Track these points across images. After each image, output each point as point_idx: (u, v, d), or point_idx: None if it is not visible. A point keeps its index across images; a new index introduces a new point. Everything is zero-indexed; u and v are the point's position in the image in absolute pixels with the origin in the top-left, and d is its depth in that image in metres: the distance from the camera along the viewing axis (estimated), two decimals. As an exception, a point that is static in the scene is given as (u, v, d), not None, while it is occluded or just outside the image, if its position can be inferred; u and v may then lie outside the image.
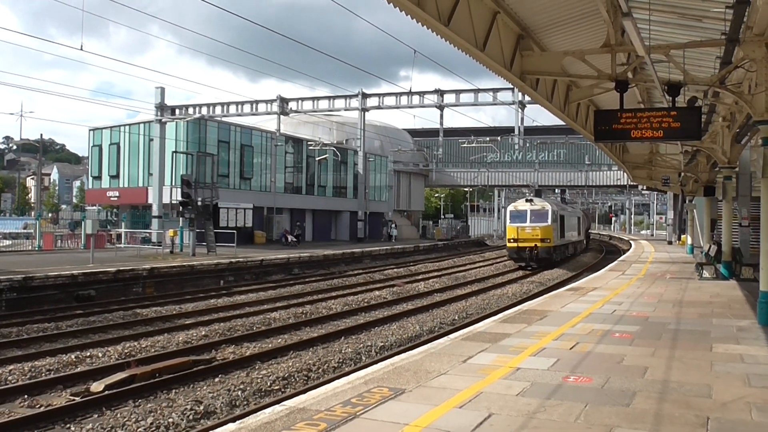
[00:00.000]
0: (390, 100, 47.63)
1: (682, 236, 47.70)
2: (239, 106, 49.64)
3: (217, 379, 11.45)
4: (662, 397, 7.02)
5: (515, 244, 35.40)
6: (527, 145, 62.74)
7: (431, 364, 8.52)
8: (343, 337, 15.25)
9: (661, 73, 13.62)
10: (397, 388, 7.27)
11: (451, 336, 10.86)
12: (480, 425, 6.00)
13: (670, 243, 51.91)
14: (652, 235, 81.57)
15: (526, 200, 36.90)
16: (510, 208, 37.70)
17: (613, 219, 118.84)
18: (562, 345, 9.89)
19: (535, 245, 34.66)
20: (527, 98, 40.46)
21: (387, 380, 7.63)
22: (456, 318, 18.12)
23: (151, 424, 9.07)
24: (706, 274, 22.02)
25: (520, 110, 44.28)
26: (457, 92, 45.92)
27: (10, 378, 11.41)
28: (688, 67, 13.54)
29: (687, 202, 40.32)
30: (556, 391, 7.19)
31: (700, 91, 15.60)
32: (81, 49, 23.02)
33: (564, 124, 21.92)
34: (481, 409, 6.49)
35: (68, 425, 9.13)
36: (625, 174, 49.86)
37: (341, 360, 13.00)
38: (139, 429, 8.89)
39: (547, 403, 6.74)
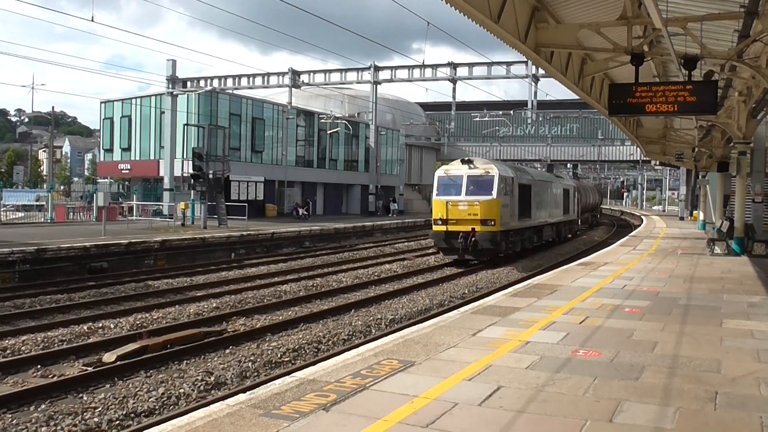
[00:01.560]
0: (402, 73, 47.32)
1: (694, 212, 47.41)
2: (251, 79, 49.50)
3: (227, 351, 11.54)
4: (671, 371, 7.00)
5: (443, 228, 23.76)
6: (540, 119, 62.28)
7: (441, 337, 8.54)
8: (353, 310, 15.31)
9: (677, 46, 13.43)
10: (406, 360, 7.30)
11: (461, 309, 10.87)
12: (489, 398, 6.02)
13: (681, 219, 51.61)
14: (664, 210, 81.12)
15: (463, 162, 24.69)
16: (438, 173, 25.14)
17: (625, 194, 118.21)
18: (572, 319, 9.88)
19: (473, 229, 23.13)
20: (541, 72, 40.16)
21: (397, 353, 7.65)
22: (466, 292, 18.13)
23: (163, 394, 9.16)
24: (717, 249, 21.91)
25: (533, 84, 43.89)
26: (470, 65, 45.52)
27: (23, 348, 11.54)
28: (705, 40, 13.33)
29: (700, 177, 39.96)
30: (565, 365, 7.19)
31: (717, 64, 15.39)
32: (92, 21, 22.98)
33: (577, 98, 21.69)
34: (490, 382, 6.50)
35: (81, 395, 9.23)
36: (638, 149, 49.46)
37: (351, 333, 13.06)
38: (151, 399, 8.98)
39: (556, 376, 6.74)
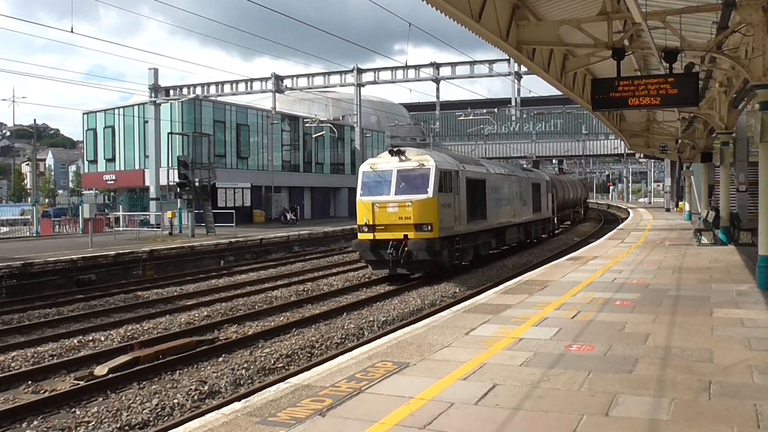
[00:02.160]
0: (386, 75, 47.32)
1: (680, 203, 47.74)
2: (234, 85, 49.34)
3: (220, 359, 11.49)
4: (664, 363, 7.04)
5: (369, 236, 19.57)
6: (524, 116, 62.54)
7: (434, 337, 8.54)
8: (345, 313, 15.29)
9: (657, 39, 13.51)
10: (401, 362, 7.29)
11: (453, 309, 10.88)
12: (485, 396, 6.02)
13: (668, 210, 51.94)
14: (650, 202, 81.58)
15: (392, 153, 20.34)
16: (363, 167, 20.93)
17: (611, 188, 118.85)
18: (564, 314, 9.91)
19: (405, 236, 18.97)
20: (523, 69, 40.26)
21: (391, 354, 7.65)
22: (457, 290, 18.15)
23: (156, 405, 9.11)
24: (704, 240, 22.05)
25: (516, 81, 44.02)
26: (453, 65, 45.56)
27: (13, 364, 11.43)
28: (685, 33, 13.42)
29: (684, 168, 40.22)
30: (559, 361, 7.21)
31: (697, 57, 15.49)
32: (71, 32, 22.80)
33: (561, 94, 21.83)
34: (485, 381, 6.51)
35: (73, 409, 9.16)
36: (622, 143, 49.76)
37: (344, 336, 13.04)
38: (145, 411, 8.92)
39: (550, 372, 6.76)
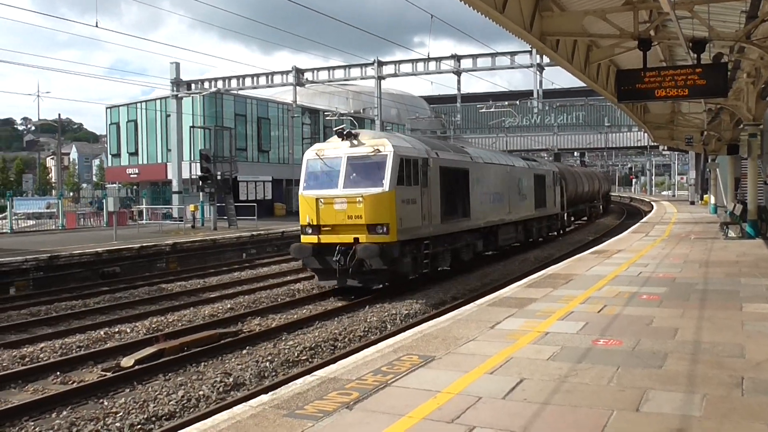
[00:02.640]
0: (406, 67, 47.14)
1: (705, 196, 47.18)
2: (255, 79, 49.45)
3: (244, 351, 11.54)
4: (694, 358, 6.94)
5: (313, 238, 16.20)
6: (546, 108, 62.08)
7: (459, 330, 8.50)
8: (367, 306, 15.27)
9: (684, 29, 13.33)
10: (426, 355, 7.27)
11: (478, 302, 10.83)
12: (512, 390, 5.98)
13: (692, 203, 51.38)
14: (674, 195, 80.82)
15: (342, 136, 16.52)
16: (308, 154, 17.16)
17: (634, 181, 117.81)
18: (590, 308, 9.82)
19: (355, 240, 15.64)
20: (546, 61, 40.01)
21: (416, 348, 7.62)
22: (479, 284, 18.07)
23: (182, 397, 9.16)
24: (731, 233, 21.78)
25: (538, 73, 43.69)
26: (474, 57, 45.29)
27: (42, 356, 11.57)
28: (713, 22, 13.24)
29: (709, 161, 39.72)
30: (586, 355, 7.14)
31: (725, 47, 15.27)
32: (96, 26, 23.02)
33: (583, 85, 21.61)
34: (512, 375, 6.46)
35: (101, 400, 9.25)
36: (645, 135, 49.27)
37: (367, 329, 13.03)
38: (171, 402, 8.98)
39: (578, 367, 6.69)
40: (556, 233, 32.05)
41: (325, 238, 16.02)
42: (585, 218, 43.17)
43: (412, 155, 16.66)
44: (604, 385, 6.06)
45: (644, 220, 34.69)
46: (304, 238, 16.36)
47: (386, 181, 15.57)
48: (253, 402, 5.94)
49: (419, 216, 16.64)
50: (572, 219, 39.26)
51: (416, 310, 14.78)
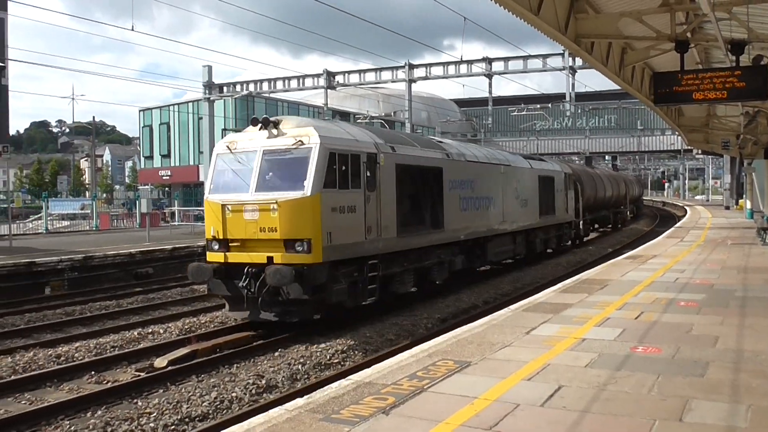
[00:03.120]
0: (437, 70, 46.98)
1: (740, 201, 46.34)
2: (286, 82, 49.67)
3: (276, 353, 11.54)
4: (737, 366, 6.79)
5: (219, 256, 12.71)
6: (578, 111, 61.49)
7: (494, 336, 8.41)
8: (397, 310, 15.19)
9: (723, 31, 13.09)
10: (462, 360, 7.19)
11: (512, 307, 10.72)
12: (551, 398, 5.88)
13: (727, 208, 50.50)
14: (708, 200, 79.51)
15: (258, 122, 13.12)
16: (218, 148, 13.75)
17: (666, 185, 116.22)
18: (627, 315, 9.66)
19: (269, 259, 12.03)
20: (578, 63, 39.61)
21: (451, 353, 7.55)
22: (511, 288, 17.92)
23: (215, 398, 9.18)
24: (769, 239, 21.33)
25: (570, 76, 43.29)
26: (506, 59, 44.99)
27: (77, 355, 11.71)
28: (753, 24, 12.96)
29: (745, 165, 38.97)
30: (625, 362, 7.01)
31: (765, 48, 14.95)
32: (132, 30, 23.32)
33: (616, 88, 21.36)
34: (550, 381, 6.36)
35: (135, 400, 9.32)
36: (679, 138, 48.53)
37: (398, 333, 12.97)
38: (204, 403, 9.01)
39: (617, 374, 6.57)
40: (569, 243, 28.36)
41: (234, 257, 12.45)
42: (610, 226, 39.63)
43: (350, 149, 12.92)
44: (645, 394, 5.94)
45: (678, 224, 34.16)
46: (209, 256, 12.86)
47: (308, 183, 11.85)
48: (288, 405, 5.92)
49: (361, 228, 12.95)
50: (595, 226, 36.50)
51: (448, 314, 14.60)
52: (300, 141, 12.29)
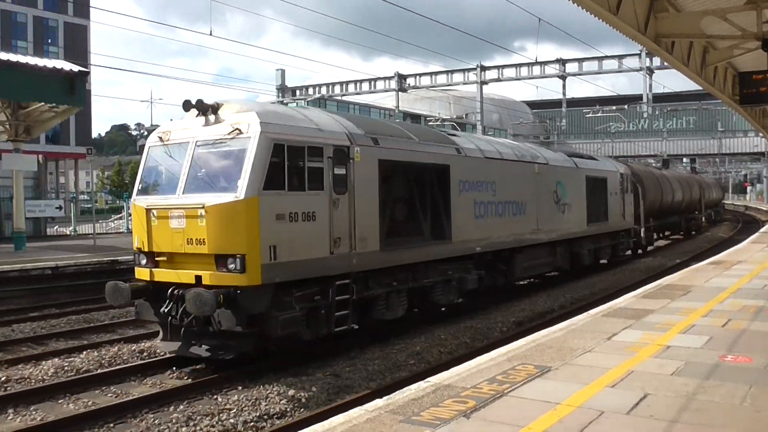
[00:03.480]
0: (510, 72, 46.72)
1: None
2: (357, 85, 50.20)
3: (352, 353, 11.61)
4: (836, 379, 6.47)
5: (146, 272, 10.39)
6: (656, 113, 59.84)
7: (574, 341, 8.26)
8: (471, 312, 15.09)
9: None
10: (542, 365, 7.09)
11: (591, 312, 10.51)
12: (636, 406, 5.73)
13: (815, 213, 48.23)
14: (794, 204, 76.09)
15: (190, 106, 10.35)
16: (150, 140, 11.06)
17: (749, 188, 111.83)
18: (713, 322, 9.34)
19: (197, 279, 9.63)
20: (656, 64, 38.65)
21: (530, 357, 7.45)
22: (587, 293, 17.56)
23: (293, 396, 9.30)
24: None
25: (648, 76, 42.23)
26: (580, 61, 44.32)
27: (158, 351, 12.03)
28: None
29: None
30: (713, 372, 6.78)
31: None
32: (210, 34, 23.96)
33: (695, 89, 20.78)
34: (635, 389, 6.20)
35: (215, 396, 9.52)
36: (763, 140, 46.70)
37: (473, 335, 12.87)
38: (282, 401, 9.13)
39: (706, 384, 6.36)
40: (629, 253, 25.45)
41: (160, 274, 10.20)
42: (681, 233, 36.44)
43: (307, 139, 10.24)
44: (737, 405, 5.72)
45: (763, 230, 32.83)
46: (137, 272, 10.67)
47: (242, 183, 9.42)
48: (368, 406, 5.95)
49: (324, 240, 10.40)
50: (664, 233, 33.81)
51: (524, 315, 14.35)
52: (237, 129, 9.79)
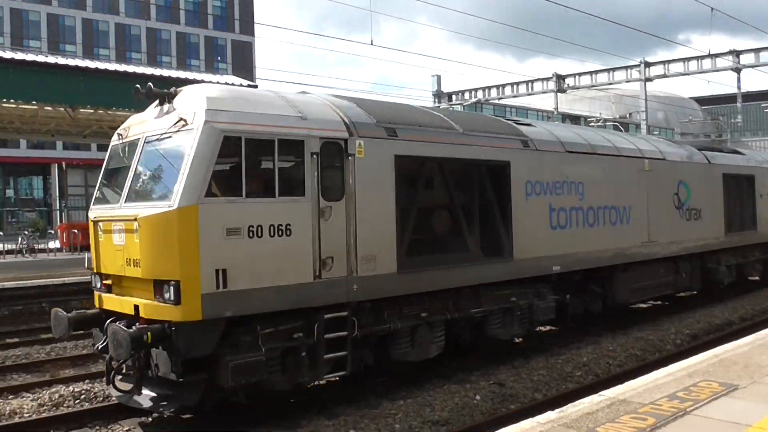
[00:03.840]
0: (677, 67, 44.06)
1: None
2: (514, 87, 49.47)
3: (516, 363, 11.42)
4: None
5: (96, 296, 8.78)
6: None
7: (763, 357, 7.65)
8: (641, 323, 14.39)
9: None
10: (727, 383, 6.61)
11: (779, 326, 9.68)
12: (843, 433, 5.19)
13: None
14: None
15: (146, 97, 8.45)
16: (113, 138, 9.33)
17: None
18: None
19: (135, 309, 7.78)
20: None
21: (714, 373, 6.97)
22: (771, 304, 16.21)
23: (457, 404, 9.27)
24: None
25: None
26: (757, 51, 41.03)
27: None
28: None
29: None
30: None
31: None
32: (371, 44, 24.61)
33: None
34: (839, 414, 5.62)
35: (380, 400, 9.66)
36: None
37: (644, 347, 12.26)
38: (446, 409, 9.12)
39: None
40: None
41: (108, 301, 8.59)
42: None
43: (275, 130, 8.07)
44: None
45: None
46: (95, 296, 8.97)
47: (177, 188, 7.44)
48: (540, 418, 5.81)
49: (305, 261, 8.20)
50: None
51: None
52: (182, 120, 7.88)
